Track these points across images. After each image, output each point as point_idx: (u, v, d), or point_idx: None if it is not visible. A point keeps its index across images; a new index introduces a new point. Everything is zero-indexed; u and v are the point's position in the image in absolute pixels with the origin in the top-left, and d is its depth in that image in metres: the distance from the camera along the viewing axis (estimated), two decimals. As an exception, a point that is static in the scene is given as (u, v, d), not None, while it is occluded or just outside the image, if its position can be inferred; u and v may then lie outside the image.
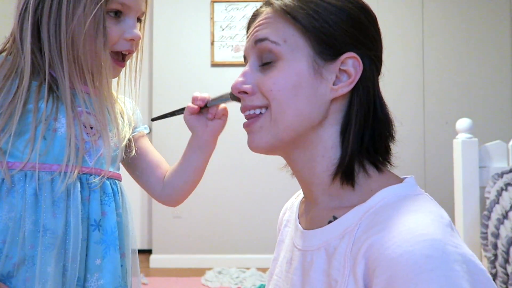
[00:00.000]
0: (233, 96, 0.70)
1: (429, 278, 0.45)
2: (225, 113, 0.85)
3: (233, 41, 3.14)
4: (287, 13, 0.59)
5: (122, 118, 0.85)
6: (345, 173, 0.59)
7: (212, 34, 3.16)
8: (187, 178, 0.91)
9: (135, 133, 0.89)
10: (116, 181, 0.80)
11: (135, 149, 0.86)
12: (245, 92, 0.63)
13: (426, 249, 0.46)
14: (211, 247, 3.15)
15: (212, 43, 3.15)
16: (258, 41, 0.61)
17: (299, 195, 0.76)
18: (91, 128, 0.75)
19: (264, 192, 3.14)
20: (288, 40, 0.59)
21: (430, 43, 3.16)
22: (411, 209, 0.52)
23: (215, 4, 3.17)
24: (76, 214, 0.70)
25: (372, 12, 0.63)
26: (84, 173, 0.73)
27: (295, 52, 0.59)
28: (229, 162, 3.14)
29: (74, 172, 0.70)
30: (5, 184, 0.67)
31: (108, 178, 0.77)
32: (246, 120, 0.65)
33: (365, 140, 0.60)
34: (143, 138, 0.92)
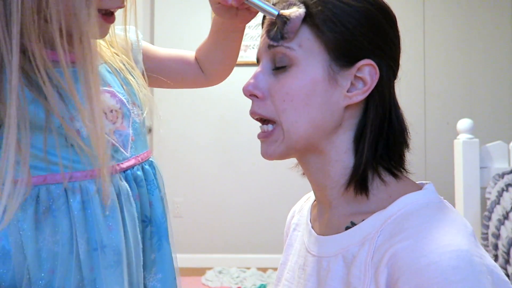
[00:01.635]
0: (281, 20, 0.58)
1: None
2: (257, 10, 0.70)
3: (234, 41, 3.14)
4: (306, 15, 0.57)
5: (130, 71, 0.70)
6: (359, 183, 0.58)
7: (213, 34, 3.15)
8: (226, 58, 0.82)
9: (136, 50, 0.74)
10: (150, 160, 0.70)
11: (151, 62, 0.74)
12: (256, 96, 0.60)
13: (453, 260, 0.46)
14: (211, 246, 3.15)
15: (213, 43, 3.15)
16: (272, 46, 0.58)
17: (309, 198, 0.75)
18: (111, 111, 0.62)
19: (265, 192, 3.14)
20: (304, 45, 0.57)
21: (431, 43, 3.16)
22: (435, 218, 0.51)
23: (216, 3, 3.17)
24: (132, 219, 0.61)
25: (393, 13, 0.61)
26: (126, 169, 0.63)
27: (311, 58, 0.57)
28: (229, 162, 3.14)
29: (106, 175, 0.58)
30: (41, 204, 0.56)
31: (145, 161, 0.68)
32: (255, 120, 0.63)
33: (379, 147, 0.58)
34: (147, 49, 0.78)
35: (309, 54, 0.57)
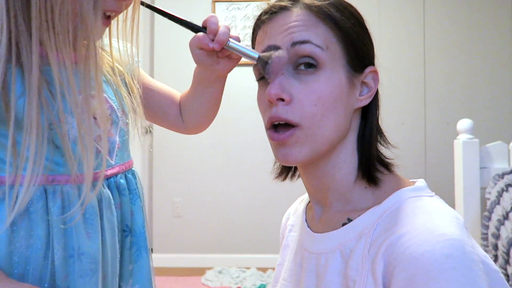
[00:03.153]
0: (262, 62, 0.59)
1: (450, 277, 0.46)
2: (238, 57, 0.69)
3: (234, 41, 3.15)
4: (328, 16, 0.57)
5: (125, 82, 0.68)
6: (370, 174, 0.60)
7: (213, 34, 3.15)
8: (206, 110, 0.79)
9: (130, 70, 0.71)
10: (132, 169, 0.69)
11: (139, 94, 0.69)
12: (282, 99, 0.57)
13: (447, 249, 0.47)
14: (211, 246, 3.15)
15: (213, 43, 3.15)
16: (299, 43, 0.56)
17: (303, 200, 0.76)
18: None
19: (265, 192, 3.14)
20: (330, 47, 0.57)
21: (431, 43, 3.16)
22: (428, 210, 0.53)
23: (216, 3, 3.17)
24: (111, 228, 0.60)
25: None
26: (109, 176, 0.61)
27: (334, 61, 0.58)
28: (229, 162, 3.14)
29: (96, 181, 0.55)
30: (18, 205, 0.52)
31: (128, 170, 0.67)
32: (271, 127, 0.60)
33: (375, 144, 0.63)
34: (141, 75, 0.74)
35: (333, 57, 0.58)
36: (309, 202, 0.72)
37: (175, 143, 3.14)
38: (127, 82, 0.69)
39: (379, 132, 0.64)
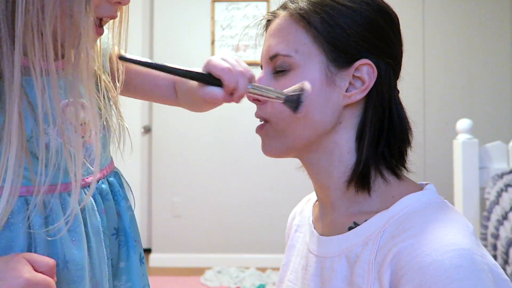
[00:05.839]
0: (291, 101, 0.59)
1: None
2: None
3: (234, 41, 3.14)
4: (302, 18, 0.59)
5: (96, 80, 0.64)
6: (360, 179, 0.59)
7: (213, 34, 3.15)
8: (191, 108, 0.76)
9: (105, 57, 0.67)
10: (114, 171, 0.69)
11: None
12: (258, 100, 0.62)
13: (456, 259, 0.47)
14: (210, 246, 3.15)
15: (213, 43, 3.15)
16: (272, 57, 0.61)
17: (310, 200, 0.75)
18: (81, 124, 0.59)
19: (264, 191, 3.14)
20: (300, 49, 0.58)
21: (430, 43, 3.16)
22: (437, 218, 0.52)
23: (216, 3, 3.17)
24: (97, 234, 0.59)
25: (393, 13, 0.62)
26: (89, 184, 0.60)
27: (308, 61, 0.58)
28: (229, 161, 3.13)
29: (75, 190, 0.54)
30: None
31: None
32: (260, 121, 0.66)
33: (380, 146, 0.59)
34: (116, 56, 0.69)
35: (306, 58, 0.58)
36: (316, 201, 0.72)
37: (174, 143, 3.14)
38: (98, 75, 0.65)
39: (394, 132, 0.60)
